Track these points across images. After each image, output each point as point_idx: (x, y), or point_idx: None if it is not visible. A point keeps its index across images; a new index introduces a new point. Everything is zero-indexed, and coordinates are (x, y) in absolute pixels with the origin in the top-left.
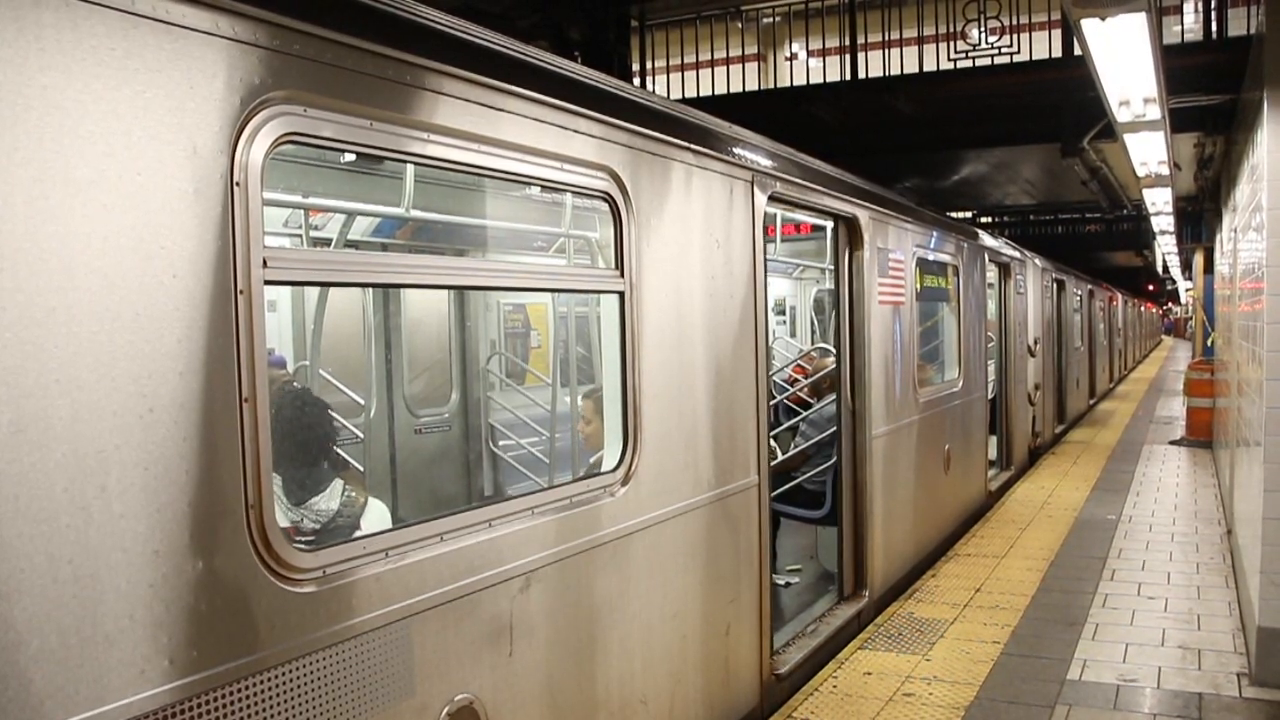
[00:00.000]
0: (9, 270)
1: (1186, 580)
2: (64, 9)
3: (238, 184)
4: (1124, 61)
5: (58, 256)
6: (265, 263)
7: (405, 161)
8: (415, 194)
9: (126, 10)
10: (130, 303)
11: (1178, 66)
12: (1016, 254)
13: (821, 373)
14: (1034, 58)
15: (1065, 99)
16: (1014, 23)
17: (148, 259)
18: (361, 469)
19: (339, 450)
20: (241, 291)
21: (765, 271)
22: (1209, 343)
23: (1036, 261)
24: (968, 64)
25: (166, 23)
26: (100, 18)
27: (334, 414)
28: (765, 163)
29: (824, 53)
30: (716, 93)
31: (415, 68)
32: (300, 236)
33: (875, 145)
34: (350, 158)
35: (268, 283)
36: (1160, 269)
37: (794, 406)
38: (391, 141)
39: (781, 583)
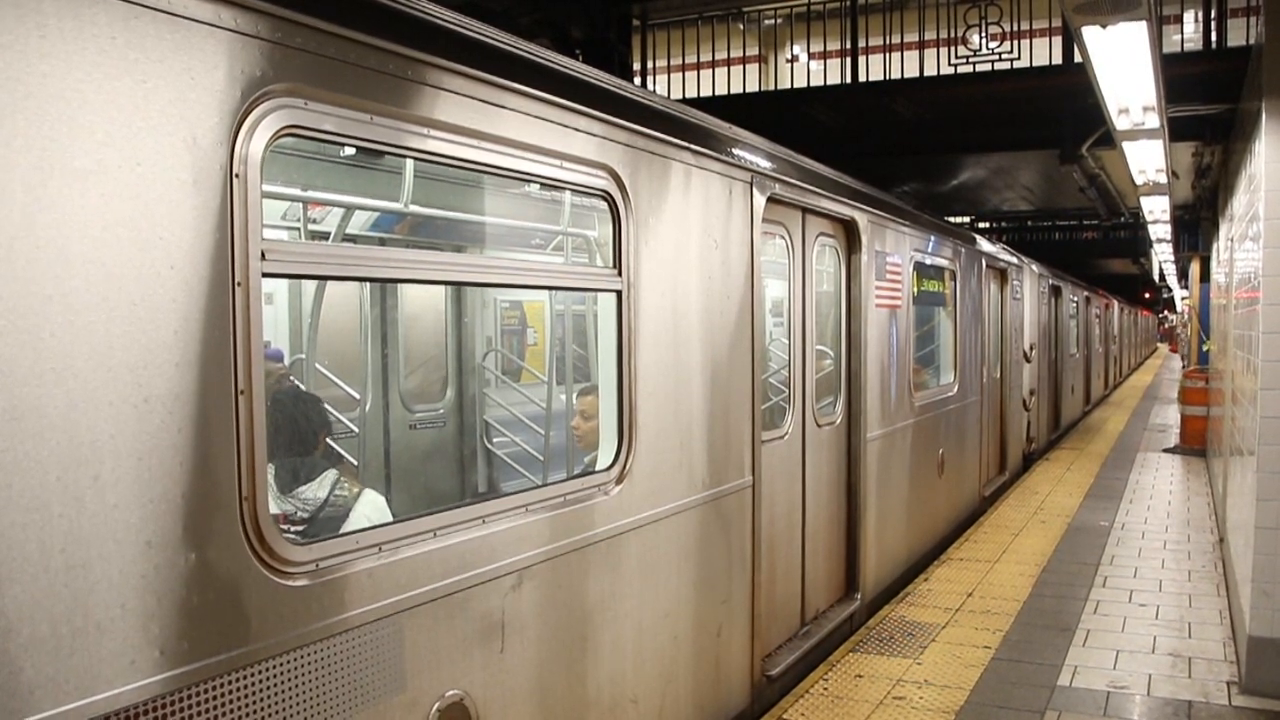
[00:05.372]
0: (6, 258)
1: (1178, 588)
2: None
3: (237, 176)
4: (1124, 69)
5: (55, 245)
6: (263, 255)
7: (405, 157)
8: (414, 189)
9: (129, 0)
10: (127, 293)
11: (1177, 75)
12: (1014, 260)
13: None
14: (1034, 64)
15: (1065, 106)
16: (1015, 29)
17: (146, 249)
18: (356, 462)
19: (332, 443)
20: (239, 283)
21: (762, 272)
22: (1204, 349)
23: (1033, 267)
24: (968, 69)
25: (168, 13)
26: (102, 7)
27: (329, 409)
28: (764, 164)
29: (825, 55)
30: (717, 93)
31: (416, 63)
32: (298, 230)
33: (874, 148)
34: (350, 152)
35: (266, 275)
36: (1157, 277)
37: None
38: (392, 136)
39: None
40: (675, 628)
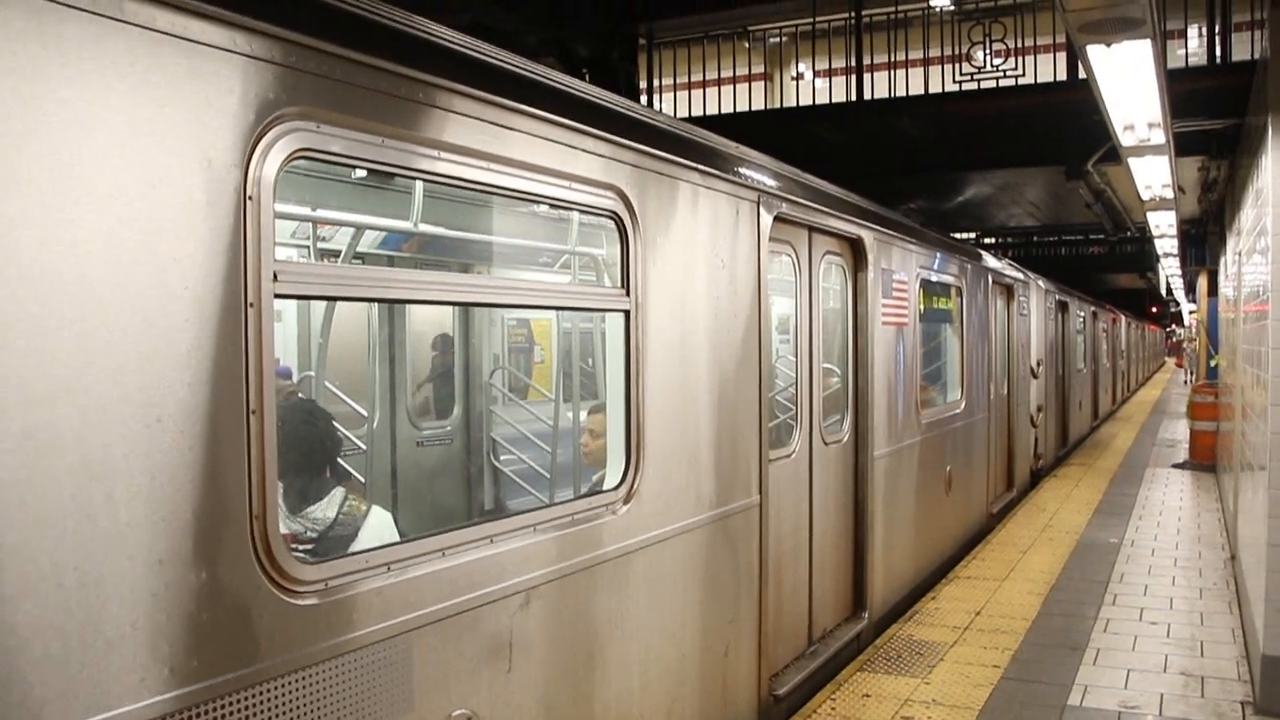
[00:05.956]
0: (24, 278)
1: (1189, 606)
2: (88, 25)
3: (250, 198)
4: (1129, 87)
5: (72, 266)
6: (275, 276)
7: (415, 178)
8: (423, 208)
9: (147, 27)
10: (141, 313)
11: (1182, 91)
12: (1020, 275)
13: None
14: (1039, 80)
15: (1070, 122)
16: (1019, 45)
17: (160, 270)
18: (363, 479)
19: (342, 462)
20: (251, 304)
21: (769, 291)
22: (1212, 364)
23: (1040, 283)
24: (973, 86)
25: (185, 39)
26: (122, 33)
27: (338, 426)
28: (771, 183)
29: (830, 73)
30: (723, 112)
31: (427, 85)
32: (307, 248)
33: (880, 166)
34: (361, 173)
35: (278, 296)
36: (1164, 291)
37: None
38: (402, 158)
39: None
40: (682, 647)
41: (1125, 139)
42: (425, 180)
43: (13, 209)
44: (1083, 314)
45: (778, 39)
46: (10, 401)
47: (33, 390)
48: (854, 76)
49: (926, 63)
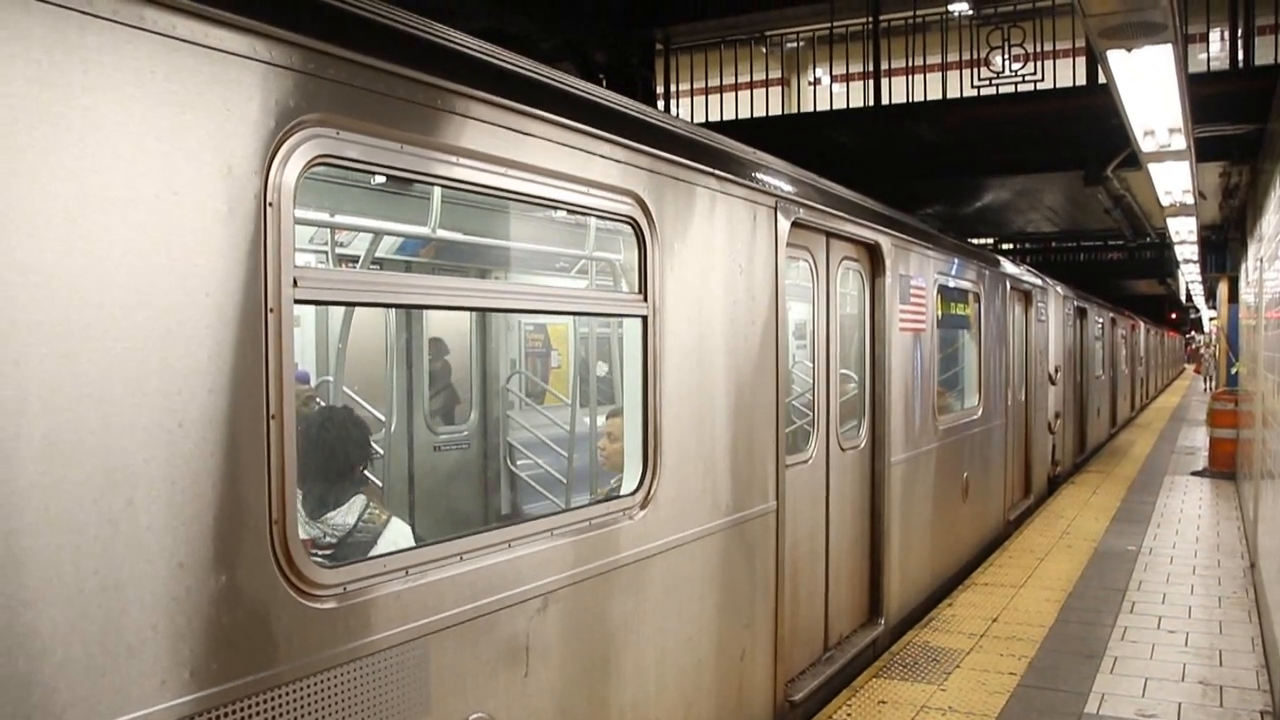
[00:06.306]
0: (46, 285)
1: (1208, 614)
2: (108, 33)
3: (271, 204)
4: (1149, 92)
5: (93, 272)
6: (295, 282)
7: (433, 184)
8: (441, 213)
9: (168, 34)
10: (163, 319)
11: (1203, 95)
12: (1038, 281)
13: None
14: (1058, 85)
15: (1089, 127)
16: (1038, 50)
17: (181, 276)
18: (380, 484)
19: (366, 473)
20: (272, 310)
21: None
22: (1232, 371)
23: (1058, 289)
24: (991, 91)
25: (205, 46)
26: (142, 41)
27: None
28: (788, 189)
29: (847, 78)
30: (740, 117)
31: (444, 91)
32: (325, 254)
33: (897, 171)
34: (379, 179)
35: (297, 301)
36: (1183, 298)
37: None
38: (420, 164)
39: None
40: (698, 652)
41: (1145, 144)
42: (443, 185)
43: (36, 216)
44: (1101, 320)
45: (795, 44)
46: (33, 408)
47: (55, 396)
48: (871, 81)
49: (944, 68)
